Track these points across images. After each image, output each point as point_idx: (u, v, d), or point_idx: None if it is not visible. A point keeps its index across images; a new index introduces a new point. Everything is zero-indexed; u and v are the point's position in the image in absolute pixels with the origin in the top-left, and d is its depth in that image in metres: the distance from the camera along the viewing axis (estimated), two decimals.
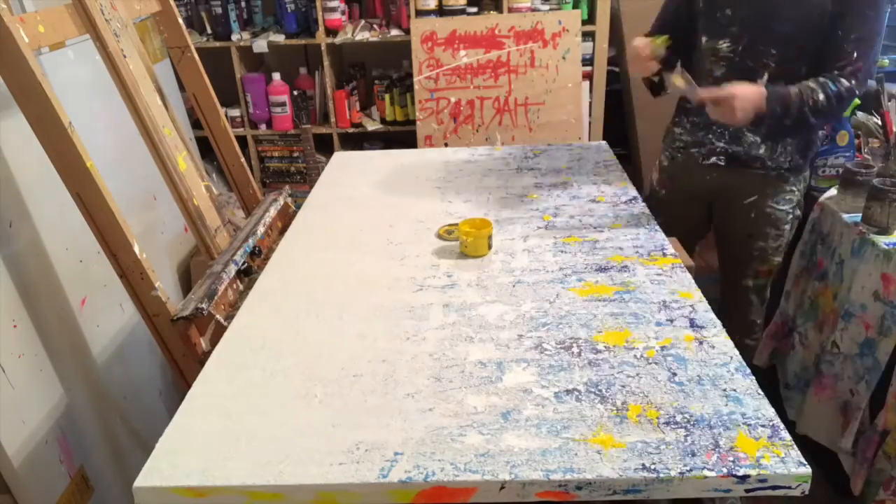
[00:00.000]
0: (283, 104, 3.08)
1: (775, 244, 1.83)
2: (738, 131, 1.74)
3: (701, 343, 1.15)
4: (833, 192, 1.88)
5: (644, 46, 1.65)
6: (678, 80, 1.61)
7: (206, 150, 2.34)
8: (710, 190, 1.86)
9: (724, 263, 1.99)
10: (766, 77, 1.62)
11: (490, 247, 1.53)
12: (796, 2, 1.56)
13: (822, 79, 1.55)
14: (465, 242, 1.52)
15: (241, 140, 3.08)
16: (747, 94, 1.52)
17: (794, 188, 1.78)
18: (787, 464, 0.89)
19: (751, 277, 1.91)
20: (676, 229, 1.65)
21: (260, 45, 2.95)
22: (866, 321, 1.63)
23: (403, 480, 0.90)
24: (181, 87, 2.29)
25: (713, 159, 1.81)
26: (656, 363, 1.10)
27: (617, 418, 0.99)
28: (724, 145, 1.77)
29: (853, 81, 1.54)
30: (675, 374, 1.07)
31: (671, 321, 1.22)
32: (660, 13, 1.88)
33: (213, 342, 1.36)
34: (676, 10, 1.80)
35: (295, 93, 3.10)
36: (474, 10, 2.88)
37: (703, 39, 1.72)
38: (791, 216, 1.81)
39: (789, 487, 0.89)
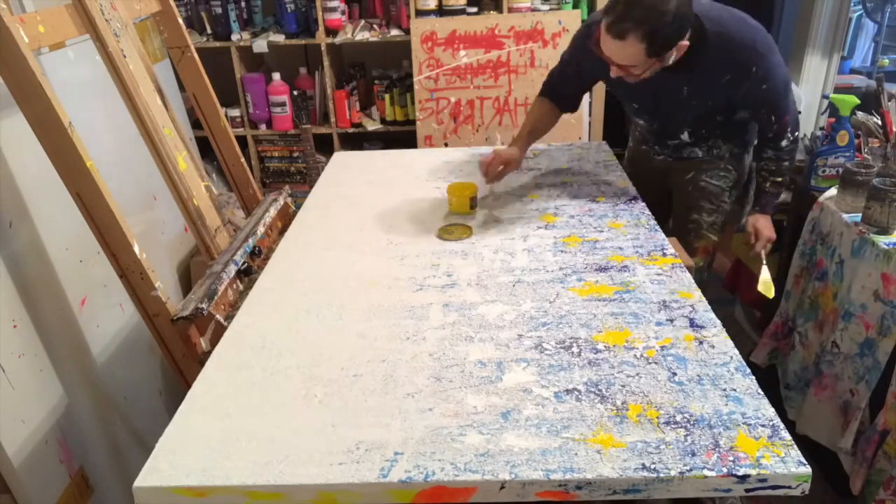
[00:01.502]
0: (283, 104, 3.08)
1: (710, 219, 1.96)
2: (678, 146, 1.93)
3: (701, 343, 1.15)
4: (833, 192, 1.88)
5: (492, 169, 1.78)
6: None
7: (206, 150, 2.34)
8: (661, 171, 2.03)
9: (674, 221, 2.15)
10: (686, 134, 1.87)
11: (473, 206, 1.73)
12: (693, 103, 1.75)
13: (770, 154, 1.78)
14: (451, 201, 1.74)
15: (241, 140, 3.08)
16: (767, 232, 1.84)
17: (729, 167, 1.92)
18: (787, 463, 0.89)
19: (689, 254, 1.95)
20: (646, 202, 1.81)
21: (260, 45, 2.95)
22: (866, 321, 1.63)
23: (403, 480, 0.90)
24: (181, 87, 2.29)
25: (661, 157, 2.01)
26: (656, 363, 1.10)
27: (617, 418, 0.99)
28: (668, 153, 1.98)
29: (787, 140, 1.75)
30: (675, 374, 1.07)
31: (671, 321, 1.22)
32: (556, 74, 1.90)
33: (213, 342, 1.36)
34: (577, 83, 1.90)
35: (295, 93, 3.10)
36: (474, 10, 2.88)
37: (629, 114, 1.98)
38: (727, 194, 1.94)
39: (789, 487, 0.89)
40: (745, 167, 1.96)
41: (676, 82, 1.68)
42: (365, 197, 1.89)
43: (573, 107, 1.95)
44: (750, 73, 1.61)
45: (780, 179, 1.80)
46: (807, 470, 0.88)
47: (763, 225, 1.84)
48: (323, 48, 2.92)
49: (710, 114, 1.80)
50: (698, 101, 1.73)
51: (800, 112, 3.12)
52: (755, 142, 1.88)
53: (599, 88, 2.89)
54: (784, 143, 1.74)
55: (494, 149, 1.84)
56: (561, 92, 1.89)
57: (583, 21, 2.73)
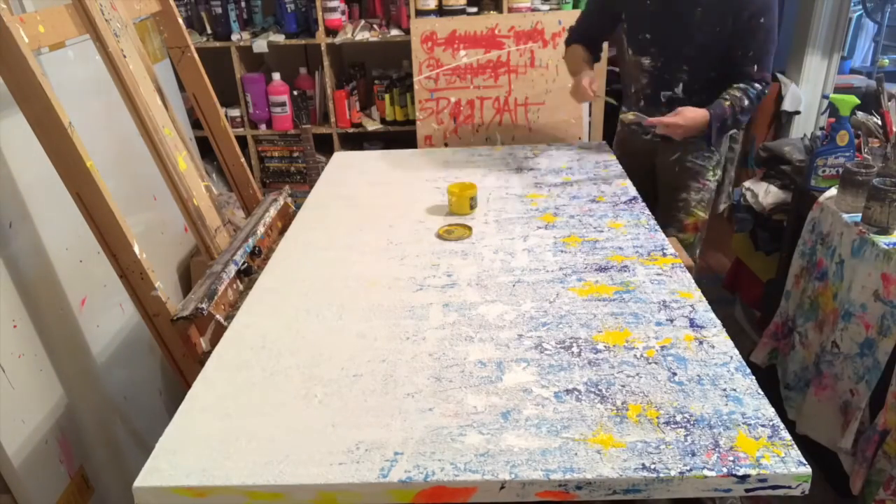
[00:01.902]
0: (283, 104, 3.08)
1: (697, 196, 2.09)
2: (671, 100, 2.00)
3: (701, 343, 1.15)
4: (833, 192, 1.87)
5: (588, 90, 1.93)
6: (629, 116, 1.97)
7: (206, 150, 2.34)
8: (647, 151, 2.14)
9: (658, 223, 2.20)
10: (681, 85, 1.97)
11: (473, 207, 1.74)
12: (701, 29, 1.85)
13: (742, 85, 1.86)
14: (451, 201, 1.74)
15: (241, 140, 3.08)
16: (692, 120, 1.85)
17: (712, 147, 2.03)
18: (787, 463, 0.89)
19: (678, 230, 2.11)
20: (633, 181, 1.94)
21: (260, 45, 2.95)
22: (866, 321, 1.63)
23: (403, 480, 0.90)
24: (181, 87, 2.29)
25: (649, 136, 2.07)
26: (656, 363, 1.10)
27: (617, 418, 0.98)
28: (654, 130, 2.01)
29: (762, 84, 1.87)
30: (675, 374, 1.07)
31: (671, 321, 1.22)
32: (582, 21, 2.16)
33: (213, 342, 1.36)
34: (601, 23, 2.11)
35: (295, 93, 3.10)
36: (474, 10, 2.88)
37: (629, 53, 2.03)
38: (711, 174, 2.07)
39: (789, 487, 0.89)
40: (734, 143, 2.12)
41: (690, 3, 1.82)
42: (365, 197, 1.89)
43: (598, 52, 2.17)
44: (750, 2, 1.77)
45: (735, 108, 1.86)
46: (807, 470, 0.88)
47: (687, 113, 1.84)
48: (323, 48, 2.92)
49: (707, 55, 1.89)
50: (705, 28, 1.82)
51: (799, 112, 3.16)
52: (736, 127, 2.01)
53: (600, 89, 2.89)
54: (758, 85, 1.87)
55: (585, 76, 1.95)
56: (587, 35, 2.11)
57: None
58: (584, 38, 2.12)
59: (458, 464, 0.92)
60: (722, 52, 1.88)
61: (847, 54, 3.84)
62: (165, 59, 2.30)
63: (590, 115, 2.96)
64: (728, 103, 1.85)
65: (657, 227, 1.60)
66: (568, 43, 2.17)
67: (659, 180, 2.17)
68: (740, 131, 2.16)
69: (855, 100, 1.87)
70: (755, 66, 1.85)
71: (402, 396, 1.06)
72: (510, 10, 2.85)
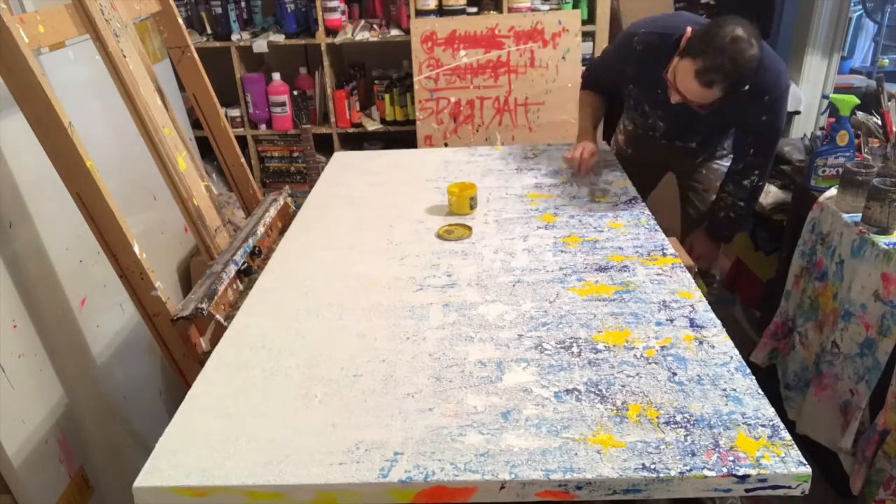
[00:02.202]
0: (283, 104, 3.08)
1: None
2: (686, 153, 2.05)
3: (701, 343, 1.15)
4: (833, 192, 1.87)
5: (577, 161, 1.92)
6: None
7: (206, 150, 2.34)
8: (665, 158, 2.14)
9: (686, 217, 2.26)
10: (695, 143, 1.99)
11: (473, 207, 1.74)
12: (708, 122, 1.84)
13: (730, 191, 1.92)
14: (451, 201, 1.74)
15: (241, 140, 3.08)
16: (706, 255, 2.01)
17: (727, 150, 2.08)
18: (787, 463, 0.89)
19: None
20: (635, 180, 1.95)
21: (260, 45, 2.95)
22: (866, 321, 1.63)
23: (403, 480, 0.90)
24: (181, 87, 2.28)
25: (664, 141, 2.06)
26: (656, 363, 1.10)
27: (617, 418, 0.98)
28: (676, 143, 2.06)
29: (752, 180, 1.89)
30: (675, 374, 1.07)
31: (671, 321, 1.22)
32: (598, 75, 2.10)
33: (213, 342, 1.36)
34: (613, 84, 2.06)
35: (295, 93, 3.10)
36: (474, 10, 2.88)
37: (643, 113, 2.03)
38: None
39: (789, 487, 0.89)
40: None
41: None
42: (365, 197, 1.89)
43: (615, 98, 2.15)
44: (762, 98, 1.70)
45: (732, 215, 1.94)
46: (807, 470, 0.88)
47: (698, 243, 2.00)
48: (323, 48, 2.92)
49: (720, 130, 1.95)
50: (716, 117, 1.77)
51: (799, 112, 3.16)
52: None
53: None
54: (746, 182, 1.89)
55: (576, 146, 1.95)
56: (604, 86, 2.08)
57: (583, 21, 2.74)
58: (599, 87, 2.10)
59: (458, 464, 0.92)
60: (732, 127, 1.94)
61: (847, 54, 3.84)
62: (165, 59, 2.30)
63: None
64: (726, 221, 1.95)
65: (657, 227, 1.60)
66: (584, 86, 2.13)
67: (683, 184, 2.19)
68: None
69: (855, 100, 1.87)
70: (751, 151, 1.86)
71: (402, 396, 1.06)
72: (510, 10, 2.85)
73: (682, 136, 2.00)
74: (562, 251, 1.51)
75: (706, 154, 2.06)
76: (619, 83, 2.04)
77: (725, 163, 2.04)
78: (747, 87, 1.60)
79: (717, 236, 2.02)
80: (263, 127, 3.17)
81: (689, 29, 1.61)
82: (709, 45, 1.50)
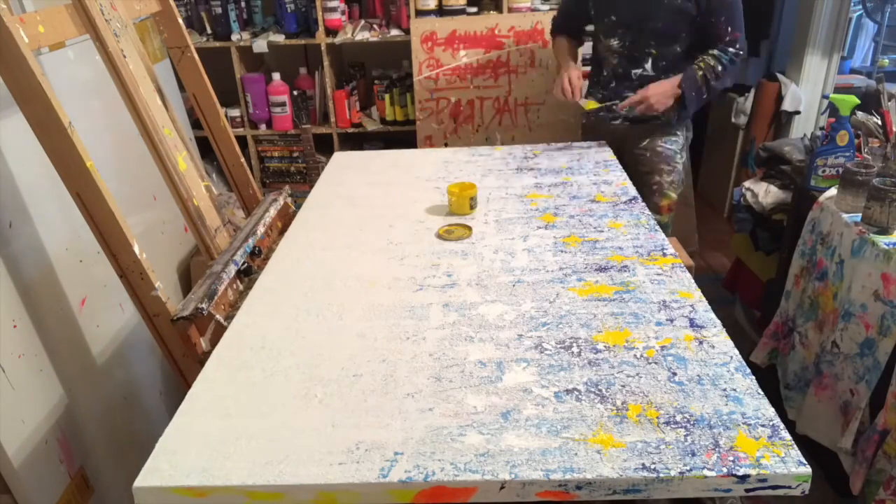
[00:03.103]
0: (282, 104, 3.08)
1: (669, 178, 2.24)
2: (641, 79, 2.13)
3: (701, 343, 1.15)
4: (833, 192, 1.88)
5: (568, 88, 2.04)
6: (592, 104, 2.11)
7: (206, 150, 2.34)
8: (616, 138, 2.26)
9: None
10: (650, 62, 2.08)
11: (473, 207, 1.74)
12: (663, 5, 1.96)
13: (715, 52, 1.97)
14: (451, 201, 1.74)
15: (241, 140, 3.08)
16: (660, 91, 1.98)
17: (678, 132, 2.21)
18: (787, 463, 0.89)
19: (653, 213, 2.10)
20: None
21: (260, 45, 2.95)
22: (866, 321, 1.63)
23: (403, 480, 0.90)
24: (181, 87, 2.29)
25: (618, 122, 2.23)
26: (656, 363, 1.10)
27: (617, 418, 0.98)
28: (625, 114, 2.18)
29: (737, 47, 1.98)
30: (675, 374, 1.07)
31: (671, 321, 1.22)
32: (561, 12, 2.31)
33: (213, 342, 1.36)
34: (577, 12, 2.23)
35: (295, 93, 3.10)
36: (474, 10, 2.88)
37: (601, 37, 2.16)
38: (679, 156, 2.23)
39: (789, 487, 0.89)
40: (689, 130, 2.27)
41: None
42: (365, 197, 1.89)
43: (581, 38, 2.35)
44: None
45: (708, 76, 1.98)
46: (807, 470, 0.88)
47: (652, 86, 2.00)
48: (323, 48, 2.92)
49: (673, 30, 2.01)
50: (668, 3, 1.92)
51: (799, 112, 3.16)
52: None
53: None
54: (731, 49, 1.98)
55: (561, 76, 2.07)
56: (568, 25, 2.25)
57: None
58: (565, 28, 2.26)
59: (458, 464, 0.92)
60: (688, 26, 1.99)
61: (847, 54, 3.84)
62: (165, 59, 2.30)
63: None
64: (700, 72, 1.97)
65: (657, 227, 1.60)
66: (553, 34, 2.31)
67: (630, 167, 2.25)
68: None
69: (855, 100, 1.87)
70: (728, 29, 1.94)
71: (402, 396, 1.06)
72: (510, 10, 2.85)
73: (641, 52, 2.08)
74: (562, 251, 1.51)
75: (660, 76, 2.10)
76: (581, 9, 2.19)
77: (670, 145, 2.19)
78: None
79: (684, 87, 2.03)
80: (263, 127, 3.17)
81: None
82: None
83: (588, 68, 2.52)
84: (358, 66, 3.25)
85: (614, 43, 2.10)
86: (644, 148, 2.22)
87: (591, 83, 2.36)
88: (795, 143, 2.31)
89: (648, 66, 2.08)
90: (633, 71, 2.10)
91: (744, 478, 0.88)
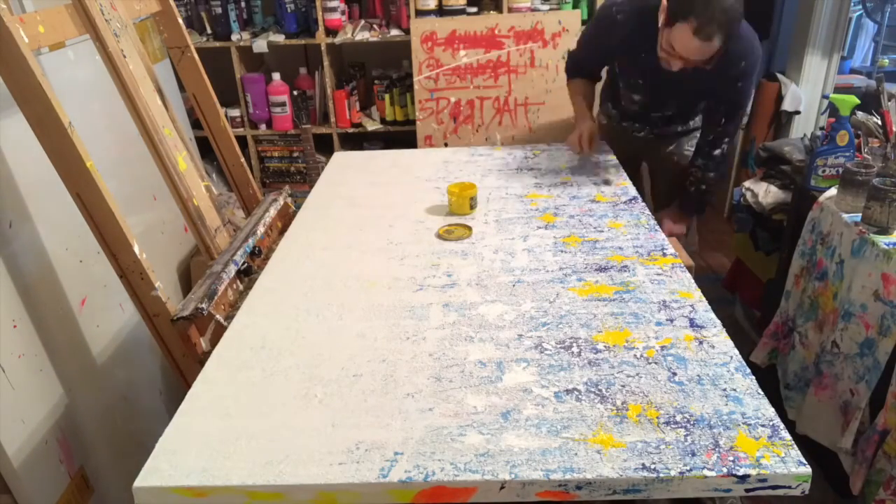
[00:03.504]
0: (282, 104, 3.08)
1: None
2: (661, 119, 2.17)
3: (701, 343, 1.15)
4: (833, 191, 1.87)
5: (578, 145, 2.01)
6: None
7: (206, 150, 2.34)
8: (640, 146, 2.25)
9: (655, 192, 2.42)
10: (671, 112, 2.12)
11: (473, 207, 1.74)
12: (688, 83, 1.90)
13: (699, 165, 2.04)
14: (451, 201, 1.74)
15: (241, 140, 3.08)
16: (677, 227, 2.10)
17: (697, 132, 2.20)
18: (787, 463, 0.89)
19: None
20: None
21: (260, 45, 2.95)
22: (866, 321, 1.63)
23: (403, 480, 0.90)
24: (181, 87, 2.28)
25: (643, 133, 2.21)
26: (656, 363, 1.10)
27: (617, 418, 0.98)
28: (649, 128, 2.20)
29: (721, 149, 2.01)
30: (675, 374, 1.07)
31: (671, 321, 1.22)
32: (579, 60, 2.15)
33: (213, 342, 1.36)
34: (598, 63, 2.18)
35: (295, 93, 3.10)
36: (474, 10, 2.88)
37: (621, 86, 2.14)
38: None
39: (789, 487, 0.89)
40: None
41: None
42: (365, 197, 1.89)
43: (599, 77, 2.25)
44: (739, 63, 1.81)
45: (703, 187, 2.05)
46: (807, 470, 0.88)
47: (667, 220, 2.09)
48: (323, 48, 2.92)
49: (695, 97, 2.05)
50: (693, 82, 1.88)
51: (799, 112, 3.16)
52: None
53: (599, 88, 2.89)
54: (717, 152, 2.01)
55: (575, 130, 2.03)
56: (589, 69, 2.16)
57: (583, 21, 2.75)
58: (582, 72, 2.16)
59: (458, 464, 0.92)
60: (707, 97, 2.04)
61: (847, 54, 3.83)
62: (165, 59, 2.30)
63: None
64: (696, 194, 2.07)
65: (657, 227, 1.60)
66: (569, 75, 2.18)
67: (657, 172, 2.31)
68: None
69: (855, 100, 1.87)
70: (719, 127, 1.99)
71: (402, 396, 1.06)
72: (510, 10, 2.85)
73: (660, 106, 2.10)
74: (562, 251, 1.51)
75: (680, 123, 2.17)
76: (604, 59, 2.12)
77: (694, 147, 2.18)
78: (727, 53, 1.71)
79: (689, 210, 2.14)
80: (263, 127, 3.17)
81: None
82: (695, 3, 1.58)
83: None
84: (358, 66, 3.24)
85: (636, 97, 2.10)
86: (670, 153, 2.22)
87: (604, 96, 2.33)
88: (795, 143, 2.31)
89: (669, 111, 2.11)
90: (653, 114, 2.13)
91: (744, 478, 0.88)
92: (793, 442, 0.93)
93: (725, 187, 3.64)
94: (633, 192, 1.83)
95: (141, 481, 0.92)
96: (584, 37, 2.12)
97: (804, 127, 3.27)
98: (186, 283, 2.28)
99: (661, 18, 1.70)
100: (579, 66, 2.14)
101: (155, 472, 0.93)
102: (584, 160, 2.09)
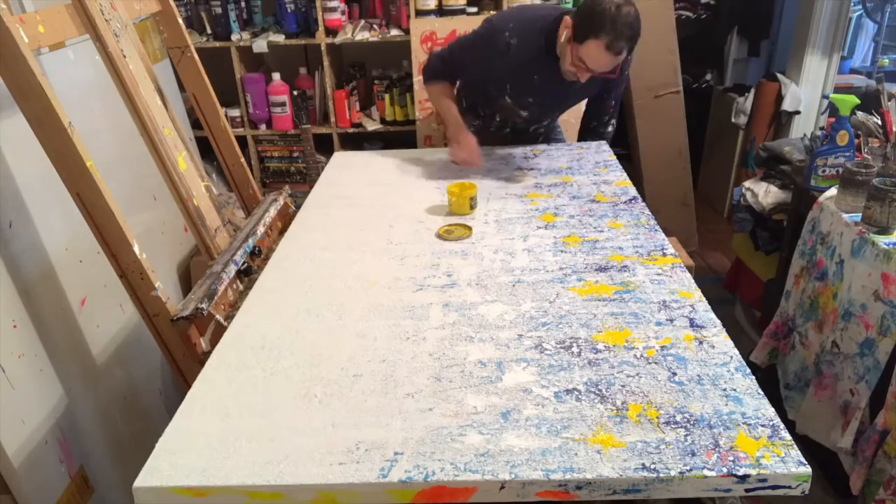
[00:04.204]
0: (282, 104, 3.08)
1: None
2: (537, 129, 2.25)
3: (701, 343, 1.15)
4: (833, 191, 1.87)
5: (477, 159, 2.01)
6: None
7: (206, 150, 2.34)
8: (511, 140, 2.28)
9: None
10: (550, 120, 2.21)
11: (473, 207, 1.74)
12: (578, 92, 2.03)
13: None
14: (451, 201, 1.73)
15: (241, 140, 3.08)
16: None
17: (558, 125, 2.34)
18: (787, 463, 0.89)
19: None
20: None
21: (260, 45, 2.95)
22: (866, 321, 1.63)
23: (403, 480, 0.90)
24: (181, 87, 2.29)
25: (506, 131, 2.25)
26: (656, 363, 1.10)
27: (617, 418, 0.98)
28: (521, 131, 2.25)
29: (612, 125, 2.19)
30: (675, 374, 1.07)
31: (671, 321, 1.22)
32: (455, 67, 2.07)
33: (213, 342, 1.36)
34: (480, 78, 2.05)
35: (295, 93, 3.10)
36: (474, 10, 2.88)
37: (507, 100, 2.05)
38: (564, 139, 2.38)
39: (789, 487, 0.89)
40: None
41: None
42: (365, 197, 1.89)
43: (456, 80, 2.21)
44: (628, 64, 1.98)
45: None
46: (807, 470, 0.88)
47: None
48: (323, 48, 2.92)
49: (585, 95, 2.11)
50: (584, 88, 1.97)
51: (799, 112, 3.16)
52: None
53: None
54: (609, 129, 2.16)
55: (459, 145, 2.02)
56: (455, 76, 2.13)
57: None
58: (451, 77, 2.12)
59: (458, 464, 0.92)
60: (599, 92, 2.09)
61: (847, 54, 3.83)
62: (165, 59, 2.30)
63: None
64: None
65: (657, 227, 1.60)
66: (432, 78, 2.09)
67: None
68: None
69: (855, 100, 1.87)
70: (613, 103, 2.11)
71: (402, 396, 1.06)
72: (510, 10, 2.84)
73: (547, 116, 2.19)
74: (562, 251, 1.51)
75: (548, 132, 2.31)
76: (484, 75, 2.02)
77: (561, 136, 2.34)
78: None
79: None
80: (263, 127, 3.17)
81: (566, 18, 1.77)
82: (604, 22, 1.65)
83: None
84: (358, 66, 3.24)
85: (524, 113, 2.09)
86: (541, 142, 2.32)
87: (467, 113, 2.17)
88: (795, 143, 2.31)
89: (549, 122, 2.22)
90: (531, 127, 2.20)
91: (744, 478, 0.88)
92: (793, 442, 0.93)
93: (726, 187, 3.65)
94: (633, 192, 1.83)
95: (141, 481, 0.92)
96: (462, 47, 2.04)
97: (804, 127, 3.27)
98: (186, 283, 2.28)
99: (565, 35, 1.77)
100: (449, 72, 2.08)
101: (155, 472, 0.93)
102: (584, 160, 2.08)
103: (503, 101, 2.05)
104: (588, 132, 2.25)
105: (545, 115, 2.17)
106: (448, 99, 2.08)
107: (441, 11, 2.85)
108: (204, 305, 1.41)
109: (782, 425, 0.96)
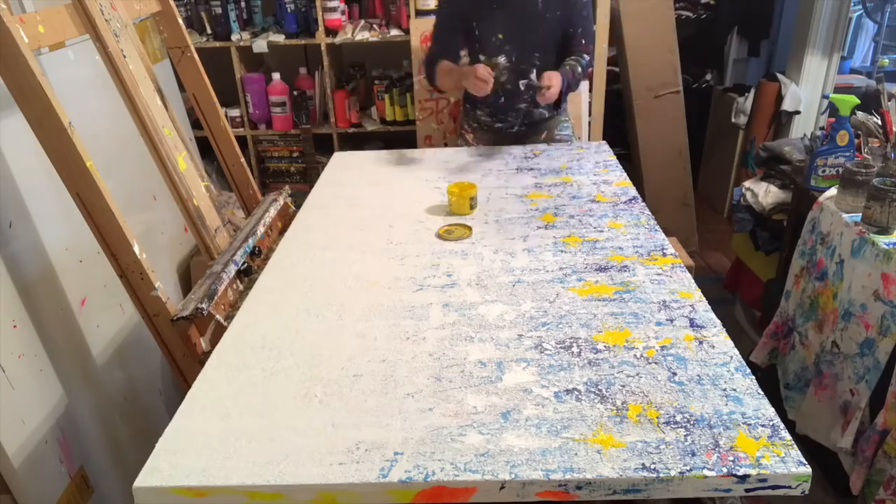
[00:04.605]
0: (282, 104, 3.08)
1: None
2: (529, 111, 2.28)
3: (701, 343, 1.15)
4: (833, 191, 1.88)
5: (489, 74, 2.01)
6: (500, 64, 2.14)
7: (206, 150, 2.34)
8: (511, 140, 2.33)
9: None
10: (534, 72, 2.13)
11: (473, 207, 1.74)
12: (543, 18, 2.09)
13: (574, 57, 2.14)
14: (451, 201, 1.74)
15: (241, 140, 3.08)
16: (558, 81, 2.05)
17: (566, 119, 2.35)
18: (787, 463, 0.89)
19: None
20: None
21: (260, 45, 2.95)
22: (866, 321, 1.63)
23: (403, 480, 0.90)
24: (181, 87, 2.29)
25: (515, 128, 2.30)
26: (656, 363, 1.10)
27: (617, 418, 0.98)
28: (521, 120, 2.28)
29: (588, 56, 2.18)
30: (675, 374, 1.07)
31: (671, 321, 1.22)
32: (438, 46, 2.23)
33: (213, 342, 1.36)
34: (456, 40, 2.21)
35: (295, 93, 3.10)
36: None
37: (482, 57, 2.16)
38: (571, 134, 2.38)
39: (789, 487, 0.89)
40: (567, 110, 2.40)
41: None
42: (365, 197, 1.89)
43: (460, 57, 2.29)
44: None
45: (573, 73, 2.13)
46: (807, 470, 0.88)
47: (554, 76, 2.07)
48: (323, 48, 2.92)
49: (551, 40, 2.15)
50: (547, 15, 2.06)
51: (799, 112, 3.16)
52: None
53: (599, 88, 2.89)
54: (586, 56, 2.17)
55: (471, 73, 2.01)
56: (450, 50, 2.21)
57: None
58: (447, 53, 2.21)
59: (458, 464, 0.92)
60: (560, 35, 2.15)
61: (847, 54, 3.83)
62: (165, 59, 2.30)
63: (589, 115, 2.96)
64: (569, 70, 2.11)
65: (657, 227, 1.60)
66: (433, 66, 2.20)
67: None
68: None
69: (855, 100, 1.87)
70: (583, 41, 2.14)
71: (402, 396, 1.06)
72: None
73: (524, 60, 2.16)
74: (562, 251, 1.51)
75: (544, 104, 2.24)
76: (458, 35, 2.18)
77: (566, 132, 2.33)
78: None
79: (565, 81, 2.16)
80: (263, 127, 3.17)
81: None
82: None
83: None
84: (358, 66, 3.25)
85: (501, 60, 2.15)
86: (544, 141, 2.32)
87: (466, 111, 2.34)
88: (795, 143, 2.31)
89: (533, 75, 2.16)
90: (521, 81, 2.18)
91: (744, 478, 0.88)
92: (793, 442, 0.93)
93: (726, 187, 3.65)
94: (633, 192, 1.83)
95: (141, 481, 0.92)
96: (438, 17, 2.23)
97: (804, 127, 3.27)
98: (186, 283, 2.28)
99: None
100: (444, 49, 2.19)
101: (155, 472, 0.93)
102: (584, 160, 2.08)
103: (478, 58, 2.16)
104: (570, 55, 2.22)
105: (525, 56, 2.15)
106: (448, 67, 2.17)
107: None
108: (204, 305, 1.41)
109: (782, 425, 0.96)
